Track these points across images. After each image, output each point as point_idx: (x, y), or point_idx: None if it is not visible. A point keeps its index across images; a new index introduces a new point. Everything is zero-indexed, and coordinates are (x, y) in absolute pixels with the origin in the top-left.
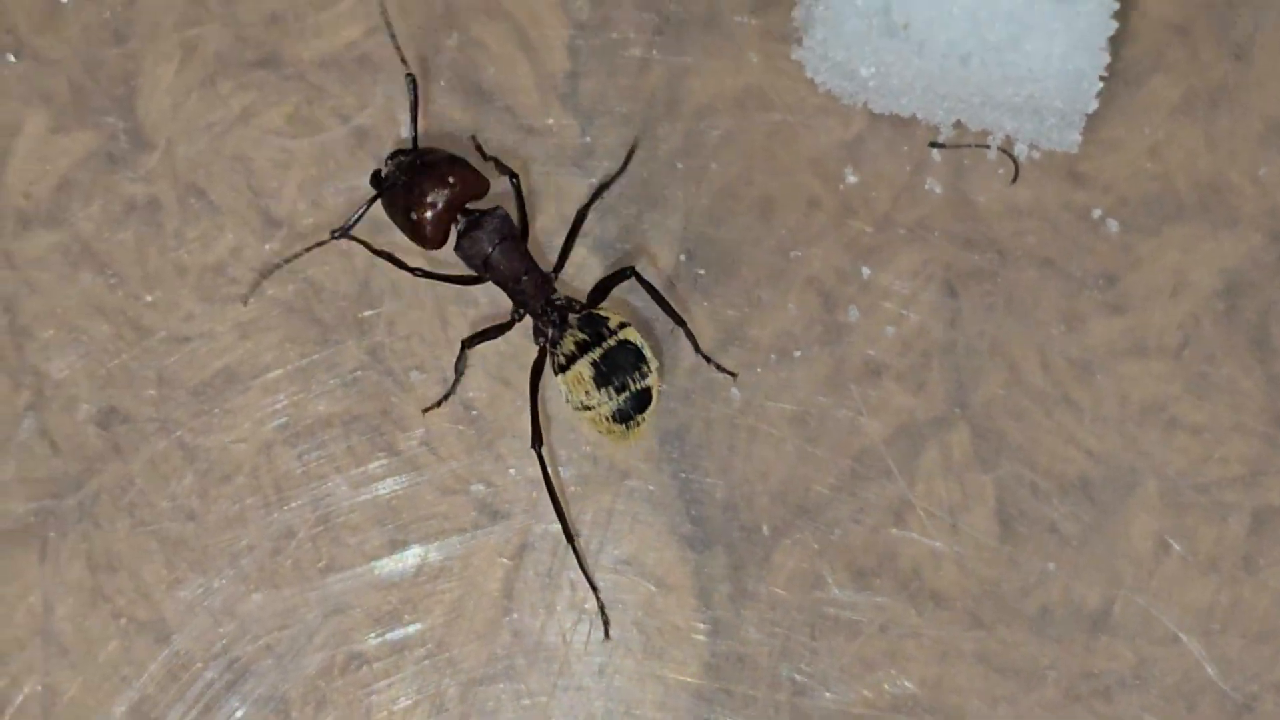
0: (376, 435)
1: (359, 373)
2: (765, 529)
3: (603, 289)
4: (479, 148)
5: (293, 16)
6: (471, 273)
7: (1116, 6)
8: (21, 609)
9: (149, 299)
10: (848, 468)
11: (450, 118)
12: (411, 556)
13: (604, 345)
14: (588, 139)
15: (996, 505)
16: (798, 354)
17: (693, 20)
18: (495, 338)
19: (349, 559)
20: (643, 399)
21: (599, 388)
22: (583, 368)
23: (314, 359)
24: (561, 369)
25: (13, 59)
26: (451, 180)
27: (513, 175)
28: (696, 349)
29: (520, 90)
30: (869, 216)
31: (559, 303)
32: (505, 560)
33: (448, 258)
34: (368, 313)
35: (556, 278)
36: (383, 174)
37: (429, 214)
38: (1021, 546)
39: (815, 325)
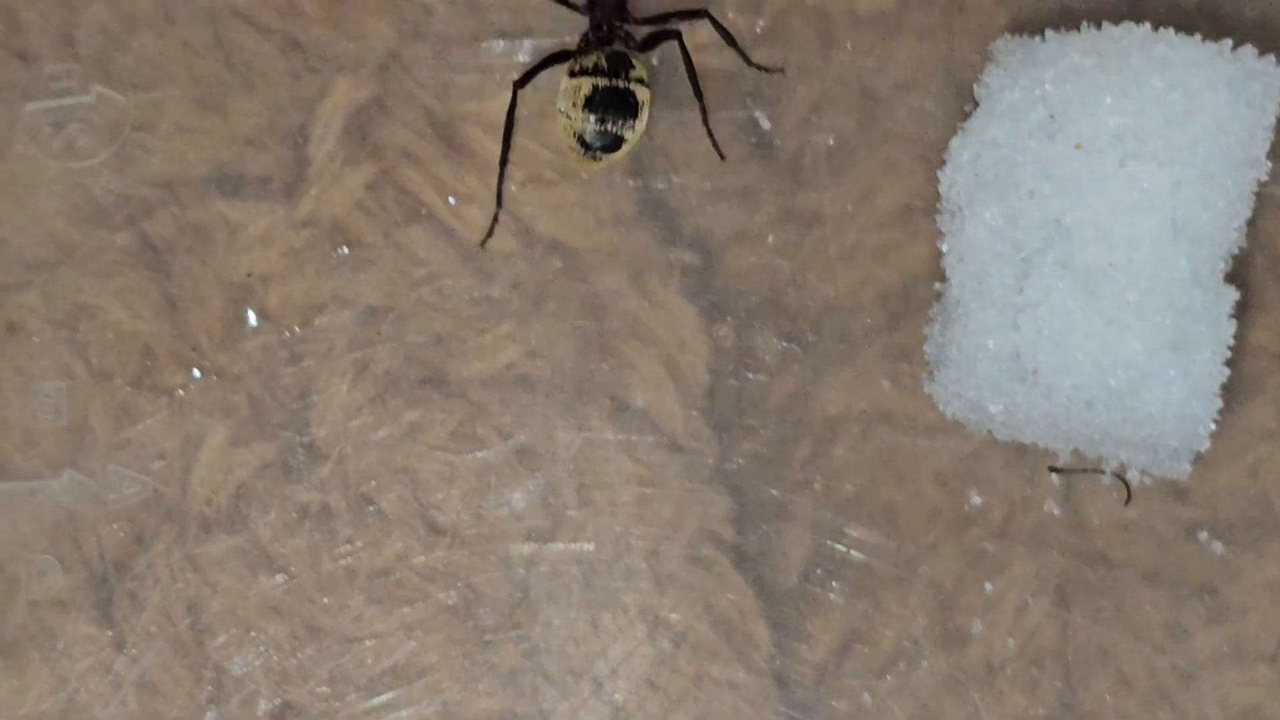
0: None
1: (517, 674)
2: None
3: (652, 41)
4: None
5: (456, 339)
6: None
7: (1229, 354)
8: None
9: (323, 601)
10: None
11: (602, 434)
12: None
13: (613, 82)
14: (724, 462)
15: None
16: (924, 663)
17: (826, 341)
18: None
19: None
20: (612, 143)
21: (584, 109)
22: (584, 84)
23: (475, 659)
24: (570, 74)
25: (198, 374)
26: None
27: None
28: (705, 124)
29: (665, 410)
30: (987, 529)
31: (619, 31)
32: None
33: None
34: (523, 616)
35: (631, 38)
36: None
37: None
38: None
39: (936, 629)
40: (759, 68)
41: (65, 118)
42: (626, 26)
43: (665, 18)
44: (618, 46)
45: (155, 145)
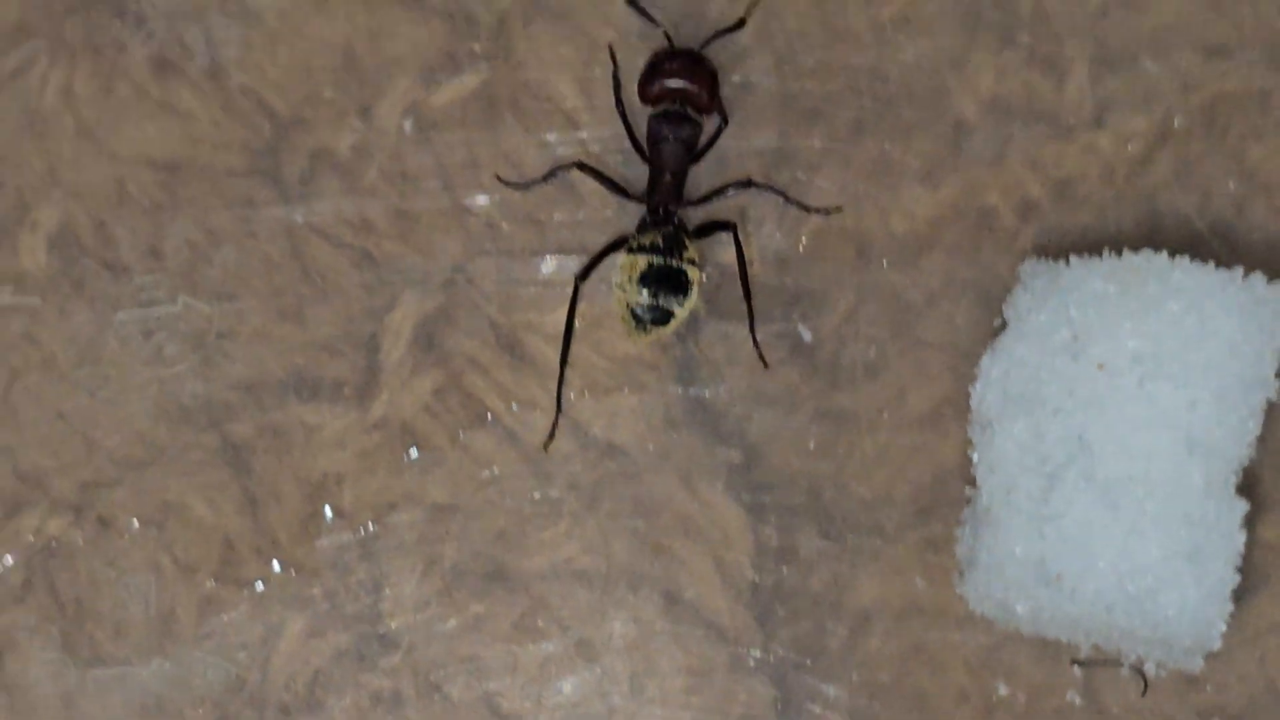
0: None
1: None
2: None
3: (706, 229)
4: None
5: (518, 535)
6: (639, 140)
7: (1240, 563)
8: None
9: None
10: None
11: (653, 626)
12: None
13: (667, 260)
14: (767, 653)
15: None
16: None
17: (862, 536)
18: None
19: None
20: (662, 318)
21: (638, 283)
22: (640, 260)
23: None
24: (628, 250)
25: (277, 568)
26: (695, 81)
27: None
28: (751, 329)
29: (712, 604)
30: (1013, 717)
31: (673, 215)
32: None
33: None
34: None
35: (684, 210)
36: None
37: (659, 79)
38: None
39: None
40: (817, 210)
41: (153, 326)
42: (681, 211)
43: (720, 191)
44: (670, 226)
45: (237, 352)
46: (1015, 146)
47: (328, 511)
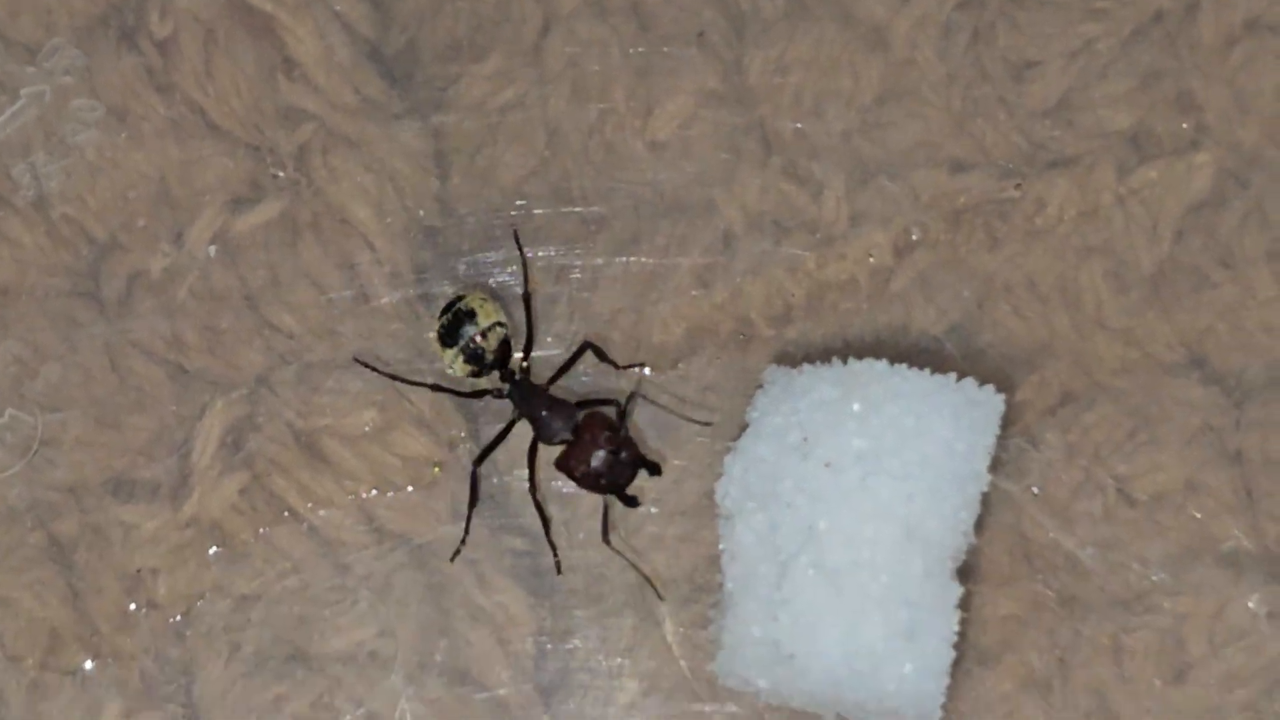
0: None
1: None
2: None
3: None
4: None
5: (315, 620)
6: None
7: (955, 640)
8: None
9: None
10: None
11: (441, 701)
12: None
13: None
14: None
15: None
16: None
17: (634, 619)
18: (497, 446)
19: None
20: (474, 349)
21: (458, 359)
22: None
23: None
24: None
25: (95, 658)
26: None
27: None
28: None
29: (495, 677)
30: None
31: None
32: None
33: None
34: None
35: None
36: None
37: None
38: None
39: None
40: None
41: None
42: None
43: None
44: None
45: (60, 458)
46: (776, 256)
47: (144, 602)
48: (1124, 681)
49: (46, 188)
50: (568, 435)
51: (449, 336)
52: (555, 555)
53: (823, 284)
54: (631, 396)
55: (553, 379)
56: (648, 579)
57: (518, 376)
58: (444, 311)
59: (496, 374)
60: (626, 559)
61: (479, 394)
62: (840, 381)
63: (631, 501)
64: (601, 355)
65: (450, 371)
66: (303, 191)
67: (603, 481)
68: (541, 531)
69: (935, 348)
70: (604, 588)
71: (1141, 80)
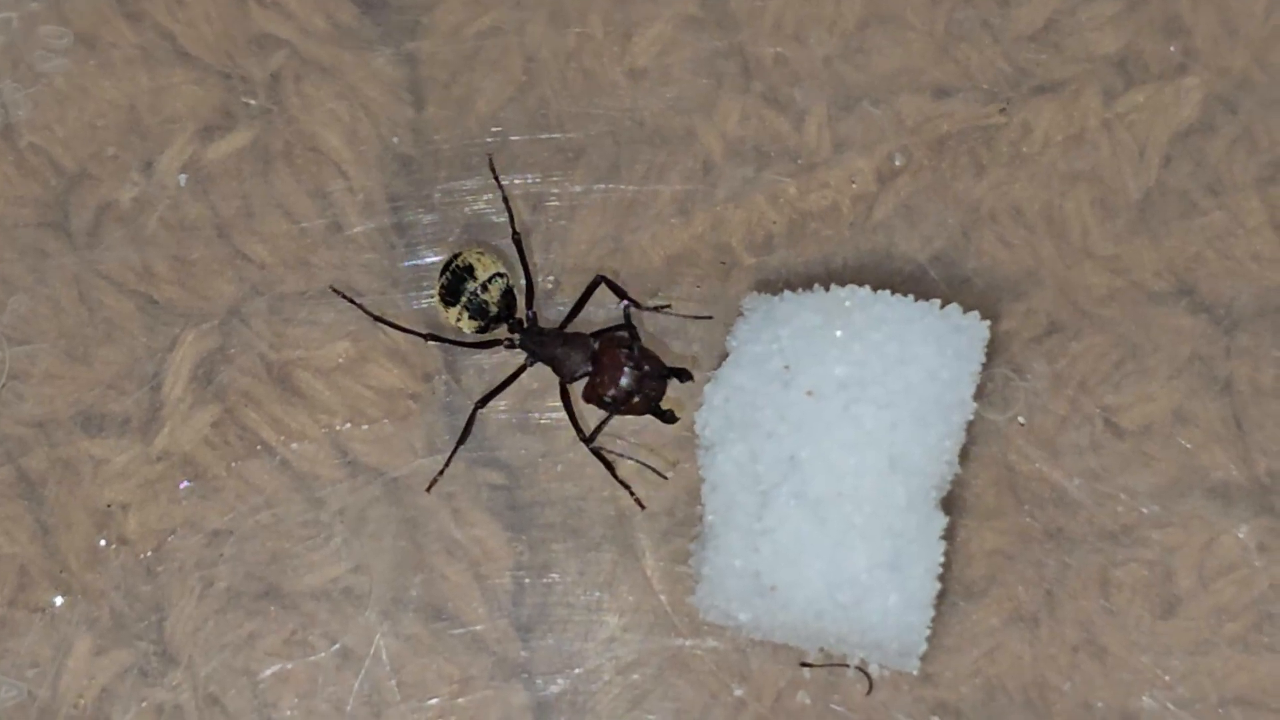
0: None
1: None
2: None
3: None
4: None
5: (289, 556)
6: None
7: (940, 571)
8: None
9: None
10: None
11: (418, 637)
12: None
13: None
14: (527, 658)
15: None
16: None
17: (617, 551)
18: (503, 389)
19: None
20: (478, 304)
21: (463, 315)
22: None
23: None
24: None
25: (66, 593)
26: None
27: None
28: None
29: (473, 614)
30: (751, 717)
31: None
32: None
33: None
34: None
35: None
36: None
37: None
38: None
39: None
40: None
41: None
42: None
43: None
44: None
45: (28, 391)
46: (757, 183)
47: (114, 538)
48: (1112, 615)
49: (14, 116)
50: (588, 367)
51: (450, 295)
52: (632, 495)
53: (805, 212)
54: (627, 312)
55: (566, 320)
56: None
57: (526, 324)
58: (442, 271)
59: (504, 326)
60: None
61: (490, 344)
62: (822, 308)
63: (669, 417)
64: (616, 290)
65: (458, 330)
66: (275, 120)
67: (635, 400)
68: (519, 465)
69: (919, 275)
70: (582, 521)
71: (1128, 3)
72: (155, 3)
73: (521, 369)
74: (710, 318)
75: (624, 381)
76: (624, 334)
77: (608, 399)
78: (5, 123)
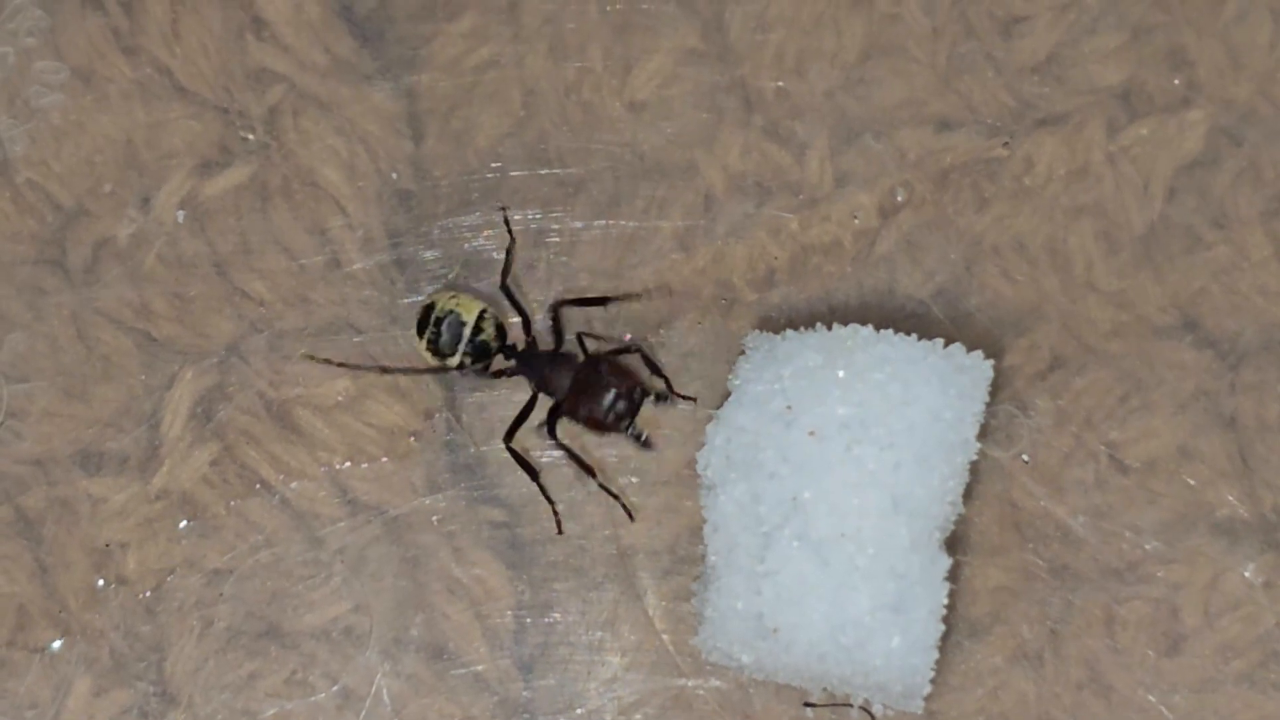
0: None
1: None
2: None
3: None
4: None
5: (289, 595)
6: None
7: (944, 613)
8: None
9: None
10: None
11: (418, 676)
12: None
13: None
14: (527, 695)
15: None
16: None
17: (619, 588)
18: (525, 419)
19: None
20: (478, 350)
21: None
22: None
23: None
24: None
25: (65, 634)
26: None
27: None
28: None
29: (474, 653)
30: None
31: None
32: None
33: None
34: None
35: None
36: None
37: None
38: None
39: None
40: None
41: None
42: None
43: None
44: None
45: (26, 430)
46: (759, 218)
47: (113, 577)
48: (1117, 653)
49: (10, 152)
50: (568, 385)
51: (441, 347)
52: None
53: (806, 247)
54: (630, 348)
55: (556, 344)
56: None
57: (520, 349)
58: (422, 324)
59: (501, 356)
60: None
61: (496, 374)
62: (824, 347)
63: (645, 443)
64: (650, 364)
65: (463, 372)
66: (273, 155)
67: (607, 418)
68: (520, 503)
69: (922, 312)
70: (584, 560)
71: (1132, 35)
72: (152, 37)
73: (535, 396)
74: (694, 399)
75: (595, 399)
76: (609, 354)
77: (580, 416)
78: (2, 159)
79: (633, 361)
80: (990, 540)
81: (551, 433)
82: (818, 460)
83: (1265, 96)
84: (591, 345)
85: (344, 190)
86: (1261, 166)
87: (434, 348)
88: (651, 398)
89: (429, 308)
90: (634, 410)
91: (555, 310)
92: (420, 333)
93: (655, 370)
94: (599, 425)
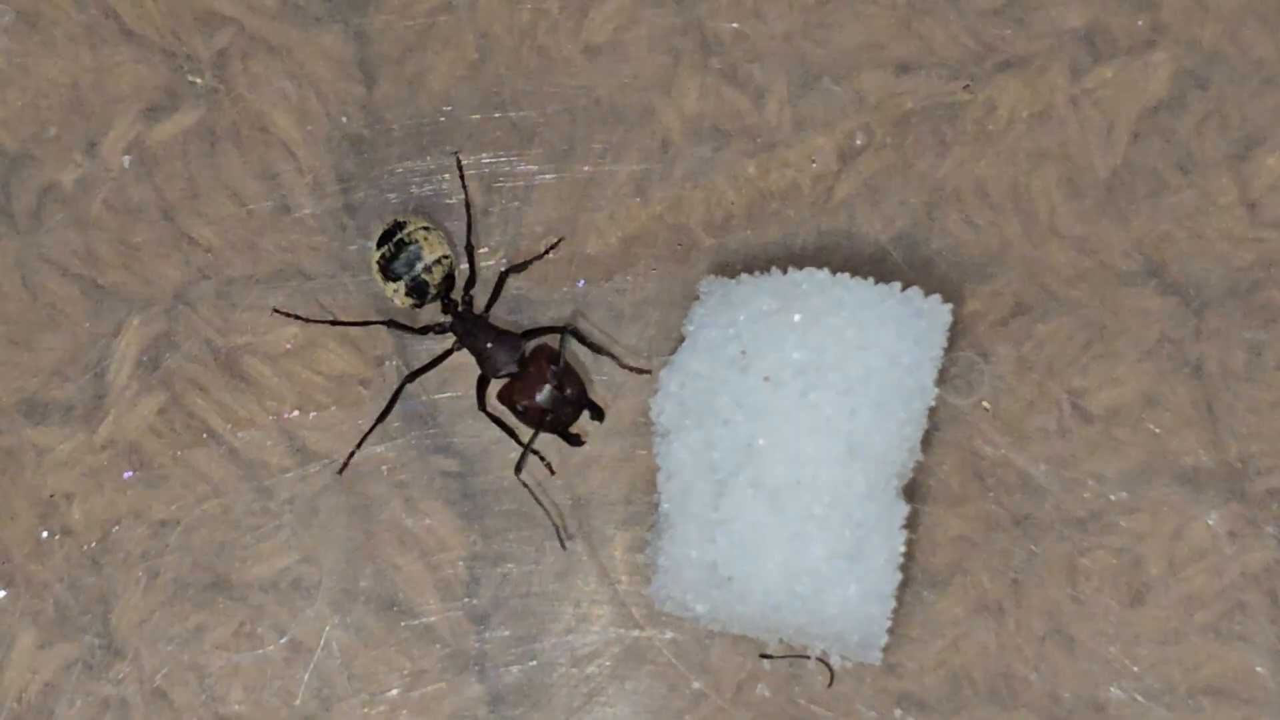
0: None
1: None
2: None
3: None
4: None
5: (237, 546)
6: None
7: (901, 561)
8: None
9: None
10: None
11: (369, 629)
12: None
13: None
14: (481, 649)
15: None
16: None
17: (575, 537)
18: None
19: None
20: (420, 284)
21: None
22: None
23: None
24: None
25: (10, 584)
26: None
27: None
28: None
29: (425, 605)
30: (706, 713)
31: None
32: None
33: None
34: None
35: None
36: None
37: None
38: None
39: None
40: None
41: None
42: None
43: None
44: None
45: None
46: (716, 163)
47: (58, 528)
48: (1080, 604)
49: None
50: (513, 368)
51: (391, 268)
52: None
53: (764, 191)
54: (564, 334)
55: (487, 307)
56: (555, 523)
57: (460, 309)
58: (383, 239)
59: (439, 304)
60: (535, 497)
61: (422, 330)
62: (780, 292)
63: (575, 440)
64: (585, 343)
65: (392, 303)
66: (221, 99)
67: (547, 418)
68: (473, 453)
69: (881, 257)
70: (538, 510)
71: None
72: None
73: (449, 352)
74: (649, 372)
75: (540, 397)
76: (555, 348)
77: (520, 408)
78: None
79: (573, 345)
80: (950, 489)
81: (481, 405)
82: (773, 406)
83: (1231, 38)
84: (526, 323)
85: (294, 135)
86: (1227, 110)
87: (383, 264)
88: (589, 414)
89: (399, 225)
90: (575, 418)
91: (502, 278)
92: (379, 245)
93: (598, 350)
94: (532, 421)
